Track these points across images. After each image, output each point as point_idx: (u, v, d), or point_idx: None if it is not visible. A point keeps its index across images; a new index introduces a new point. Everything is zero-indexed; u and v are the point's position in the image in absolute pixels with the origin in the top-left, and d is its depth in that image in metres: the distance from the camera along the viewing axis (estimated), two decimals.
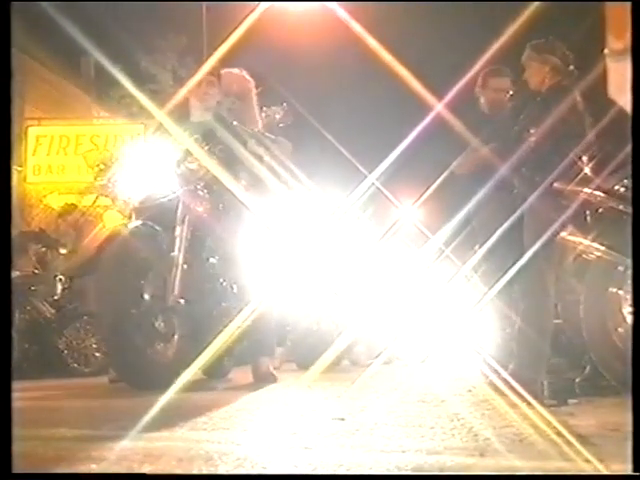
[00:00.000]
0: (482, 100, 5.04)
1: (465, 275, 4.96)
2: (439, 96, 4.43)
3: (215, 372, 5.18)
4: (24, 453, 1.93)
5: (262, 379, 4.84)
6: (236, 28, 4.26)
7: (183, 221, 4.42)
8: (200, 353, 4.08)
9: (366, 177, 5.84)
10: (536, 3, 4.17)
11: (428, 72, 4.24)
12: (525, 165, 4.02)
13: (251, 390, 4.34)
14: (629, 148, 2.37)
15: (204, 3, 11.11)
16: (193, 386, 4.02)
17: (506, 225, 4.02)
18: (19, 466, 1.79)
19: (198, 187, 4.52)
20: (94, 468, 1.84)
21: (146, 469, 1.84)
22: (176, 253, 4.36)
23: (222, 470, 1.84)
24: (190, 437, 2.34)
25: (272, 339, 5.25)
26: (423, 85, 4.46)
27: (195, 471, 1.83)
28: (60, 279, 7.34)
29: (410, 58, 4.15)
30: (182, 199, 4.45)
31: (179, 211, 4.43)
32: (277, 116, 5.45)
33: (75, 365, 7.23)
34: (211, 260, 4.71)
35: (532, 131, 3.99)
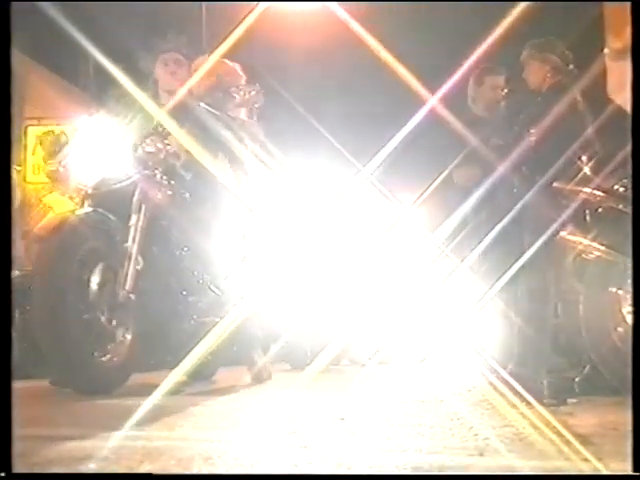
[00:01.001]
0: (476, 98, 4.98)
1: (465, 274, 4.96)
2: (440, 96, 4.42)
3: (199, 373, 4.75)
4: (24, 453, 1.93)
5: (259, 377, 4.69)
6: (235, 28, 4.25)
7: (139, 209, 4.06)
8: (156, 353, 3.96)
9: (361, 170, 5.67)
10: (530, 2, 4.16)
11: (426, 70, 4.22)
12: (526, 164, 4.02)
13: (241, 390, 4.28)
14: (628, 147, 2.37)
15: (204, 3, 11.12)
16: (174, 389, 3.56)
17: (506, 224, 4.02)
18: (19, 466, 1.78)
19: (157, 172, 4.17)
20: (93, 468, 1.84)
21: (145, 468, 1.84)
22: (130, 244, 4.00)
23: (221, 470, 1.84)
24: (190, 436, 2.34)
25: (261, 336, 5.03)
26: (423, 85, 4.45)
27: (194, 471, 1.83)
28: None
29: (409, 56, 4.14)
30: (139, 185, 4.09)
31: (135, 198, 4.07)
32: (251, 93, 5.08)
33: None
34: (179, 252, 4.36)
35: (532, 130, 3.99)
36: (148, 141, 4.15)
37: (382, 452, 2.07)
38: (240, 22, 4.17)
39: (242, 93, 4.93)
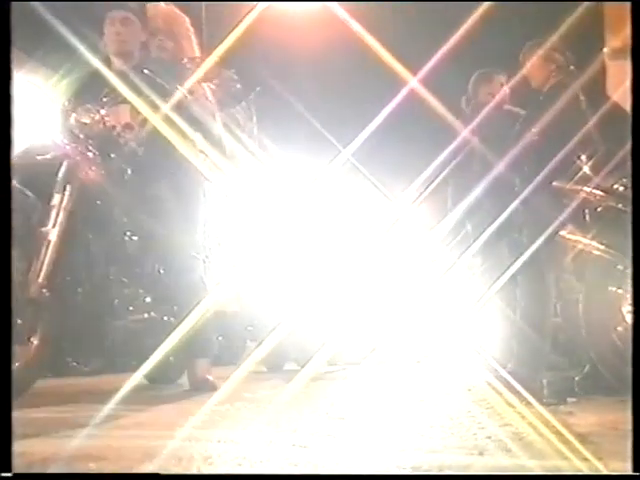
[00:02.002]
0: (474, 107, 4.94)
1: (464, 273, 4.96)
2: (440, 98, 4.42)
3: (160, 377, 4.34)
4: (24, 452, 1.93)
5: (197, 386, 4.06)
6: (235, 27, 4.24)
7: (64, 188, 3.48)
8: (81, 354, 3.43)
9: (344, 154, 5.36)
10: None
11: (428, 70, 4.22)
12: (527, 164, 4.02)
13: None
14: (628, 146, 2.37)
15: (203, 3, 11.11)
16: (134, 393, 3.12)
17: (505, 224, 4.03)
18: (19, 466, 1.78)
19: (90, 147, 3.66)
20: (93, 467, 1.84)
21: (146, 468, 1.84)
22: (49, 228, 3.40)
23: (221, 469, 1.84)
24: (190, 435, 2.34)
25: (212, 338, 4.34)
26: (422, 83, 4.44)
27: (194, 470, 1.83)
28: None
29: (409, 55, 4.14)
30: (66, 160, 3.53)
31: (59, 175, 3.49)
32: (236, 87, 4.71)
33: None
34: (122, 238, 3.84)
35: (534, 130, 3.99)
36: (81, 110, 3.71)
37: (381, 452, 2.07)
38: (239, 21, 4.16)
39: (197, 65, 4.33)
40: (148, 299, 3.96)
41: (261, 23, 4.31)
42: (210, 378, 4.10)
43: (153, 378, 4.27)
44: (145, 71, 3.89)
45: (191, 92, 4.11)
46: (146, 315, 3.92)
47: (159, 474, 1.80)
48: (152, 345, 3.36)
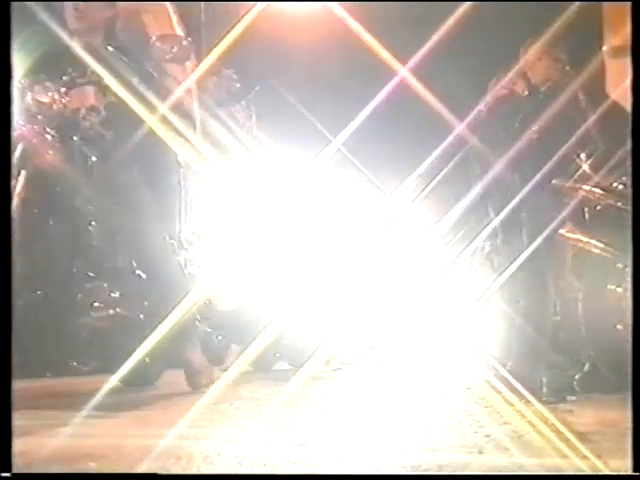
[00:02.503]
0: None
1: (463, 272, 4.96)
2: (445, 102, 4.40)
3: (136, 379, 3.89)
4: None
5: (196, 383, 3.85)
6: (234, 27, 4.23)
7: (18, 173, 3.30)
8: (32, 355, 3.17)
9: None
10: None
11: (427, 70, 4.22)
12: (527, 162, 4.02)
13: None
14: (627, 145, 2.37)
15: (202, 3, 11.10)
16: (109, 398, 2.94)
17: (505, 222, 4.03)
18: (19, 466, 1.78)
19: (49, 129, 3.44)
20: (92, 466, 1.84)
21: (145, 467, 1.84)
22: None
23: (221, 469, 1.84)
24: (189, 435, 2.34)
25: (201, 331, 4.19)
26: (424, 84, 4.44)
27: (194, 470, 1.83)
28: None
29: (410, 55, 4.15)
30: (21, 143, 3.33)
31: (14, 159, 3.29)
32: (182, 43, 4.13)
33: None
34: (86, 227, 3.61)
35: (534, 128, 3.99)
36: (38, 88, 3.47)
37: (381, 450, 2.07)
38: (238, 21, 4.16)
39: (169, 45, 4.00)
40: (116, 294, 3.66)
41: (260, 22, 4.30)
42: (207, 371, 3.93)
43: (129, 380, 3.79)
44: (109, 48, 3.63)
45: (162, 72, 3.92)
46: (112, 311, 3.61)
47: (159, 474, 1.80)
48: (119, 345, 3.26)
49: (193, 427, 2.53)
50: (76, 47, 3.55)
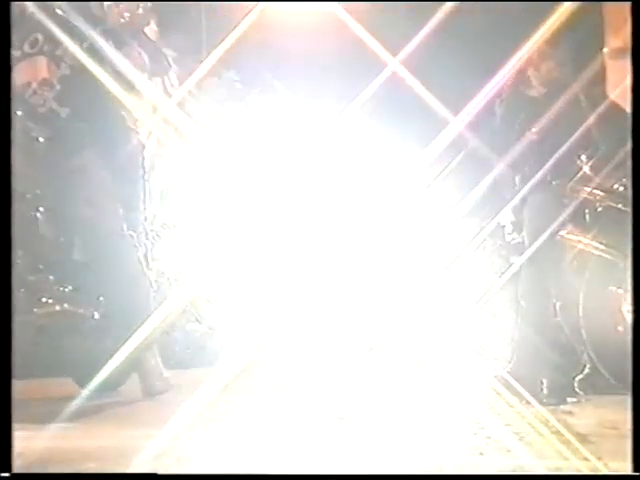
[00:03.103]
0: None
1: (464, 272, 4.96)
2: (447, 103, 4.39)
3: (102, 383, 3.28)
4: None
5: (150, 389, 3.44)
6: (235, 27, 4.23)
7: None
8: None
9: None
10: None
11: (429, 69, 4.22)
12: (528, 163, 4.02)
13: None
14: (628, 146, 2.37)
15: (203, 3, 11.11)
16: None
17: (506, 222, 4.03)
18: (19, 466, 1.78)
19: None
20: (93, 467, 1.84)
21: (145, 468, 1.84)
22: None
23: (220, 469, 1.84)
24: (188, 435, 2.34)
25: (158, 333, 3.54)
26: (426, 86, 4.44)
27: (194, 470, 1.83)
28: None
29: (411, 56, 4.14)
30: None
31: None
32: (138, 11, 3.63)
33: None
34: (34, 214, 3.34)
35: (534, 129, 3.99)
36: None
37: (381, 452, 2.07)
38: (240, 21, 4.15)
39: (123, 9, 3.57)
40: (67, 289, 3.37)
41: (261, 23, 4.30)
42: (159, 383, 3.47)
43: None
44: (58, 11, 3.27)
45: (119, 40, 3.49)
46: (58, 307, 3.31)
47: (159, 474, 1.80)
48: (69, 345, 3.06)
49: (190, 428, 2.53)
50: (24, 13, 3.19)
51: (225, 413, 2.99)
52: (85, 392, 2.97)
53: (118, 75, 3.26)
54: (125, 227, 3.48)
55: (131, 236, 3.51)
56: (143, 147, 3.66)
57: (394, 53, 4.16)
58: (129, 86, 3.33)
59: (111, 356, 3.01)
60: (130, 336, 2.96)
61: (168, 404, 3.21)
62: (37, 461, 1.99)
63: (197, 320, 5.05)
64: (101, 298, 3.40)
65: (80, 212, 3.31)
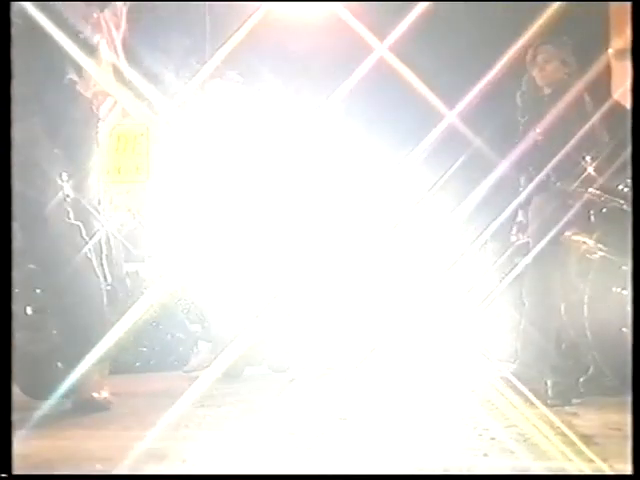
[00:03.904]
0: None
1: (468, 274, 4.95)
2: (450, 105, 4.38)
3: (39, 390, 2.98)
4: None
5: (84, 404, 2.91)
6: (239, 29, 4.22)
7: None
8: None
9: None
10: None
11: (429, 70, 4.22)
12: (532, 164, 4.01)
13: None
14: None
15: (207, 3, 11.12)
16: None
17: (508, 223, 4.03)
18: (19, 466, 1.78)
19: None
20: (97, 468, 1.83)
21: (150, 469, 1.83)
22: None
23: (221, 469, 1.84)
24: (193, 437, 2.33)
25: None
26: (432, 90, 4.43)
27: (198, 471, 1.83)
28: None
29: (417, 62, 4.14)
30: None
31: None
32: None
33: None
34: None
35: (538, 130, 3.98)
36: None
37: (384, 453, 2.06)
38: (244, 22, 4.15)
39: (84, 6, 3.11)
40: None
41: (265, 24, 4.30)
42: (97, 395, 2.99)
43: (31, 391, 3.01)
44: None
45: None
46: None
47: (159, 474, 1.80)
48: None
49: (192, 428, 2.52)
50: None
51: (226, 413, 2.99)
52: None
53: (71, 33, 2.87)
54: (70, 213, 3.03)
55: (78, 226, 3.05)
56: (98, 118, 3.19)
57: (395, 53, 4.16)
58: (82, 44, 2.96)
59: (45, 359, 2.80)
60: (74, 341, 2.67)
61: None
62: None
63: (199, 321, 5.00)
64: (38, 291, 3.05)
65: (16, 191, 2.55)
